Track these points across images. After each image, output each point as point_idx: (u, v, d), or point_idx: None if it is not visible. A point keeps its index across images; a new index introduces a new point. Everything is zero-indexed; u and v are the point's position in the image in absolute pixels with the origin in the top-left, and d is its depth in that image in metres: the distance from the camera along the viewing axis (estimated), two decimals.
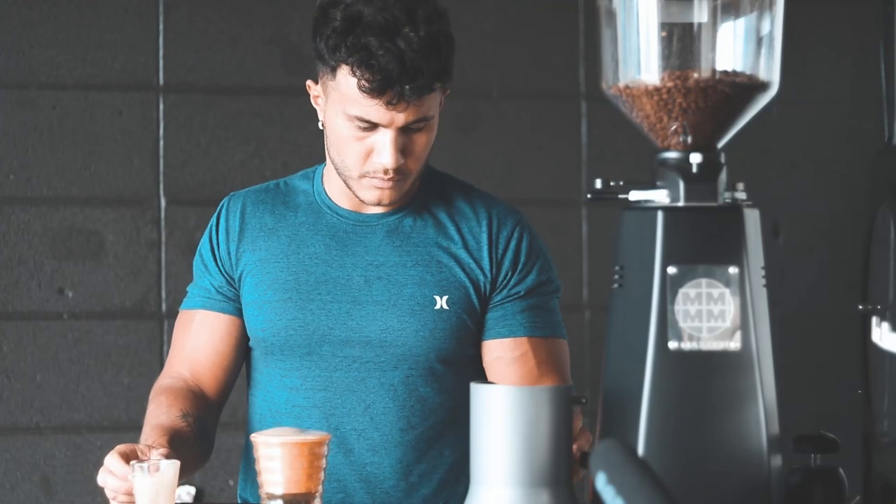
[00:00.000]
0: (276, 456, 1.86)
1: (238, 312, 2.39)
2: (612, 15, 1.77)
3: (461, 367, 2.35)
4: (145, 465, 1.99)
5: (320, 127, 2.35)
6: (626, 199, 1.75)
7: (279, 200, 2.42)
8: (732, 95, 1.74)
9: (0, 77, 3.41)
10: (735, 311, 1.70)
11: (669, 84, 1.73)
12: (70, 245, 3.43)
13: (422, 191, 2.38)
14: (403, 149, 2.24)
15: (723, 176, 1.74)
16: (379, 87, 2.17)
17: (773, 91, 1.78)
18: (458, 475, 2.35)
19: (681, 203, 1.72)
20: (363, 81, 2.17)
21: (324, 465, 1.89)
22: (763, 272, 1.74)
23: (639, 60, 1.75)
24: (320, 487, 1.89)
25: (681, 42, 1.74)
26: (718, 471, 1.68)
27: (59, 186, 3.43)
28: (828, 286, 3.85)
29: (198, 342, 2.40)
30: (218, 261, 2.41)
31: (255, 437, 1.89)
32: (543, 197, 3.67)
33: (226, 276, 2.40)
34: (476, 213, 2.38)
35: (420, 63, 2.16)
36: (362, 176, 2.26)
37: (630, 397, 1.70)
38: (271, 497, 1.87)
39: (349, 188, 2.31)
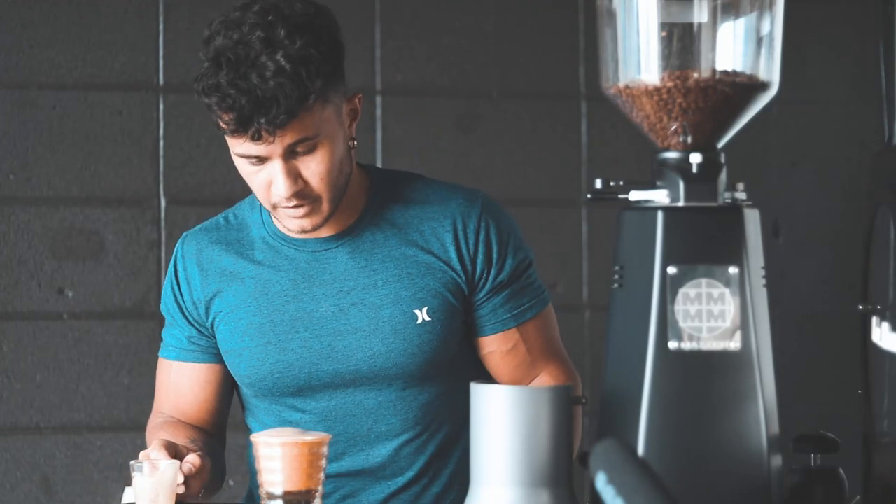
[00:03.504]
0: (276, 456, 1.86)
1: (214, 358, 2.35)
2: (612, 15, 1.77)
3: (460, 363, 2.34)
4: (145, 465, 1.99)
5: None
6: (626, 199, 1.75)
7: (232, 238, 2.34)
8: (732, 95, 1.74)
9: (0, 77, 3.41)
10: (735, 311, 1.70)
11: (669, 84, 1.73)
12: (70, 245, 3.43)
13: (372, 197, 2.31)
14: (297, 174, 2.17)
15: (723, 176, 1.74)
16: (236, 126, 2.11)
17: (773, 91, 1.78)
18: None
19: (681, 203, 1.72)
20: (222, 123, 2.13)
21: (324, 466, 1.90)
22: (763, 272, 1.74)
23: (639, 60, 1.75)
24: (320, 487, 1.89)
25: (681, 42, 1.74)
26: (718, 471, 1.68)
27: (59, 186, 3.43)
28: (828, 286, 3.85)
29: (179, 391, 2.39)
30: (185, 312, 2.36)
31: (255, 438, 1.89)
32: (543, 197, 3.67)
33: (195, 326, 2.36)
34: (436, 212, 2.31)
35: (274, 93, 2.08)
36: (274, 207, 2.21)
37: (630, 397, 1.70)
38: (271, 497, 1.87)
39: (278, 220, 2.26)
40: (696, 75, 1.73)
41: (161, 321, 3.48)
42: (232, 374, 2.35)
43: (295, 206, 2.19)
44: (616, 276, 1.75)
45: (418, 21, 3.59)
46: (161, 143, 3.49)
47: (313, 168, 2.17)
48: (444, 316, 2.27)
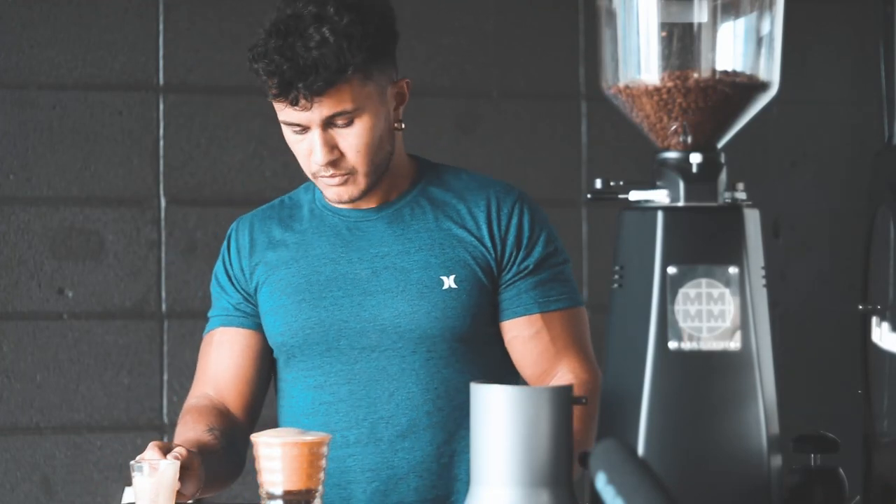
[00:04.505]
0: (276, 456, 1.86)
1: (257, 327, 2.44)
2: (612, 15, 1.77)
3: (485, 346, 2.38)
4: (145, 465, 1.99)
5: None
6: (626, 199, 1.75)
7: (285, 214, 2.48)
8: (732, 95, 1.74)
9: (0, 77, 3.41)
10: (735, 311, 1.70)
11: (669, 84, 1.73)
12: (70, 245, 3.43)
13: (417, 181, 2.43)
14: (334, 144, 2.30)
15: (723, 176, 1.74)
16: (278, 89, 2.25)
17: (773, 91, 1.78)
18: None
19: (681, 203, 1.72)
20: (267, 87, 2.27)
21: (324, 465, 1.90)
22: (763, 272, 1.74)
23: (639, 60, 1.75)
24: (320, 487, 1.89)
25: (681, 42, 1.74)
26: (718, 471, 1.68)
27: (59, 186, 3.43)
28: (828, 286, 3.85)
29: (219, 359, 2.46)
30: (233, 279, 2.46)
31: (255, 438, 1.89)
32: (543, 197, 3.66)
33: (242, 293, 2.45)
34: (474, 194, 2.41)
35: (315, 61, 2.22)
36: (314, 176, 2.34)
37: (630, 397, 1.70)
38: (271, 497, 1.87)
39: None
40: (696, 75, 1.73)
41: (161, 321, 3.49)
42: (267, 337, 2.43)
43: (332, 176, 2.31)
44: (616, 276, 1.75)
45: (418, 21, 3.59)
46: (161, 143, 3.49)
47: (350, 141, 2.30)
48: (471, 286, 2.35)
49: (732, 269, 1.70)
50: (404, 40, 3.59)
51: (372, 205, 2.40)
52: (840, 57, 3.87)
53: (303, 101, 2.25)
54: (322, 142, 2.29)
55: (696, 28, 1.74)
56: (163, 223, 3.48)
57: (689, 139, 1.75)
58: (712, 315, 1.70)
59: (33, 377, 3.41)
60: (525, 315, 2.37)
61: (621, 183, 1.75)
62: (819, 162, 3.88)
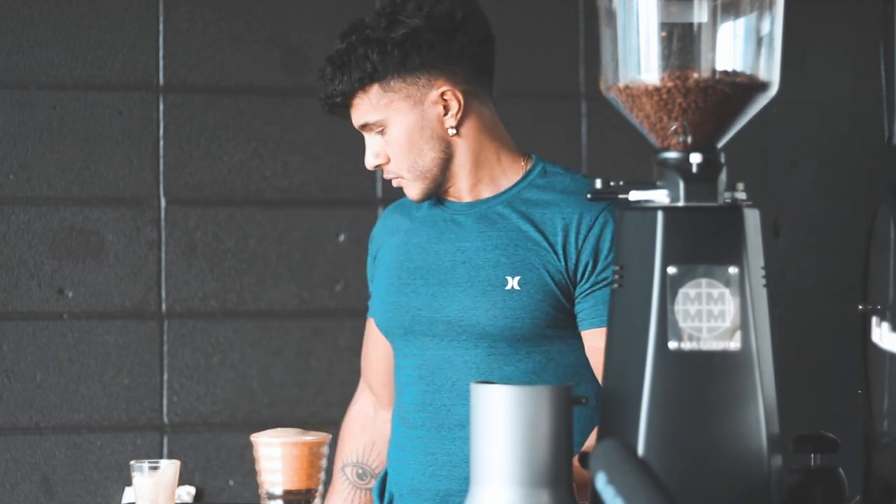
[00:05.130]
0: (276, 456, 1.86)
1: None
2: (612, 15, 1.77)
3: (552, 348, 2.41)
4: (145, 465, 1.99)
5: None
6: (626, 199, 1.75)
7: (411, 203, 2.55)
8: (732, 95, 1.74)
9: (0, 77, 3.41)
10: (735, 311, 1.70)
11: (669, 84, 1.73)
12: (70, 245, 3.43)
13: (521, 183, 2.47)
14: (377, 151, 2.43)
15: (723, 176, 1.74)
16: (322, 88, 2.43)
17: (773, 91, 1.78)
18: None
19: (681, 203, 1.72)
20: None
21: (324, 465, 1.90)
22: (763, 272, 1.74)
23: (639, 60, 1.75)
24: (320, 487, 1.89)
25: (681, 42, 1.74)
26: (718, 471, 1.68)
27: (59, 186, 3.43)
28: (828, 286, 3.85)
29: (368, 351, 2.64)
30: (369, 266, 2.62)
31: (255, 438, 1.90)
32: None
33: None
34: (564, 199, 2.44)
35: (333, 75, 2.39)
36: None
37: (630, 397, 1.70)
38: (271, 497, 1.87)
39: None
40: (696, 75, 1.73)
41: (161, 321, 3.49)
42: None
43: (387, 177, 2.45)
44: (616, 276, 1.75)
45: None
46: (161, 143, 3.49)
47: (389, 148, 2.42)
48: (535, 290, 2.38)
49: (732, 269, 1.70)
50: None
51: (472, 199, 2.46)
52: (840, 57, 3.87)
53: (333, 111, 2.44)
54: (368, 146, 2.44)
55: (696, 28, 1.74)
56: (163, 223, 3.48)
57: (689, 139, 1.75)
58: (712, 315, 1.70)
59: (33, 377, 3.41)
60: (601, 326, 2.37)
61: (621, 183, 1.75)
62: (819, 162, 3.88)
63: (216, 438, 3.50)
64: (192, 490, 3.48)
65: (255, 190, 3.54)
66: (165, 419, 3.47)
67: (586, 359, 2.42)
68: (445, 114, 2.41)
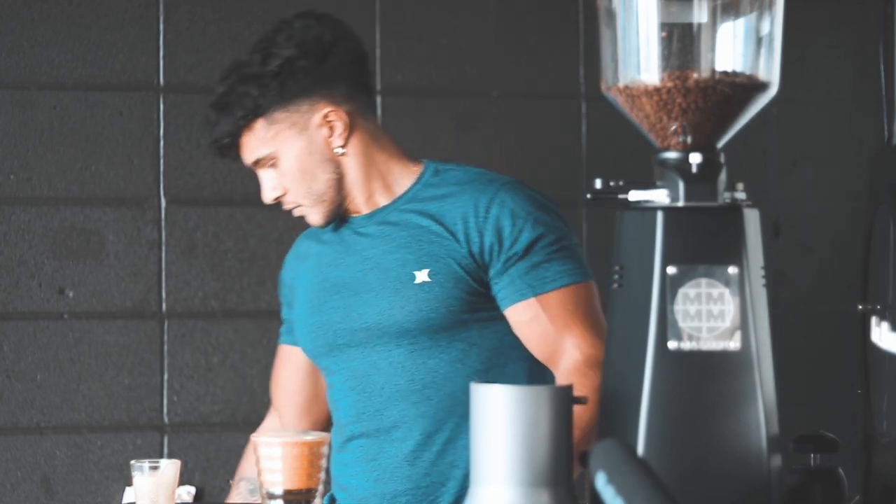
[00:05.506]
0: (277, 456, 1.87)
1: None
2: (612, 15, 1.77)
3: (471, 334, 2.45)
4: (145, 464, 1.99)
5: None
6: (626, 199, 1.75)
7: (322, 229, 2.61)
8: (732, 95, 1.74)
9: (0, 77, 3.41)
10: (735, 311, 1.70)
11: (669, 84, 1.73)
12: (70, 245, 3.43)
13: (414, 186, 2.52)
14: (275, 183, 2.50)
15: (722, 176, 1.74)
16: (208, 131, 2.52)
17: (773, 91, 1.78)
18: None
19: (680, 203, 1.72)
20: None
21: (324, 465, 1.90)
22: (763, 272, 1.74)
23: (638, 60, 1.75)
24: (320, 487, 1.89)
25: (680, 42, 1.74)
26: (718, 471, 1.68)
27: (60, 186, 3.43)
28: (828, 286, 3.85)
29: (283, 372, 2.70)
30: (283, 297, 2.69)
31: (256, 437, 1.90)
32: None
33: (289, 306, 2.67)
34: (458, 191, 2.48)
35: (217, 118, 2.48)
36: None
37: (630, 397, 1.70)
38: (271, 497, 1.87)
39: None
40: (695, 75, 1.73)
41: (161, 321, 3.49)
42: None
43: (288, 209, 2.52)
44: (616, 276, 1.75)
45: (418, 21, 3.59)
46: (161, 143, 3.49)
47: (282, 179, 2.49)
48: (446, 279, 2.42)
49: (732, 269, 1.70)
50: (404, 40, 3.60)
51: (370, 210, 2.53)
52: (840, 57, 3.87)
53: (219, 153, 2.52)
54: (264, 182, 2.51)
55: (695, 28, 1.74)
56: (163, 223, 3.49)
57: (689, 139, 1.75)
58: (712, 315, 1.70)
59: (34, 377, 3.41)
60: (521, 300, 2.42)
61: (621, 183, 1.75)
62: (819, 162, 3.88)
63: (216, 438, 3.50)
64: (192, 490, 3.48)
65: (255, 190, 3.52)
66: (166, 419, 3.47)
67: (510, 339, 2.45)
68: (331, 135, 2.48)
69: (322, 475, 1.89)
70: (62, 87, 3.44)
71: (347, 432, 2.51)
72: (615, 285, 1.75)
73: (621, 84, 1.76)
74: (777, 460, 1.72)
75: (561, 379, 2.39)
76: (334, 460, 2.57)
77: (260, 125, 2.46)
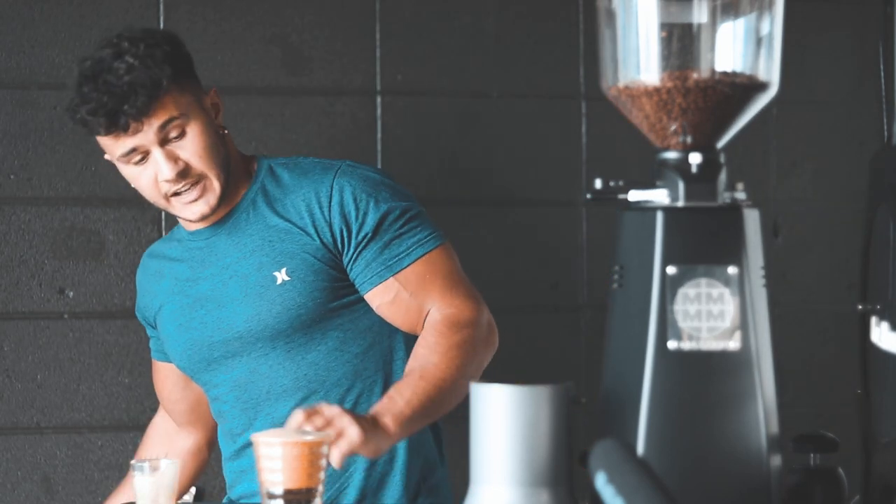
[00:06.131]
0: (277, 456, 1.87)
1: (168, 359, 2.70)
2: (611, 15, 1.77)
3: (343, 321, 2.48)
4: (145, 464, 1.99)
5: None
6: (626, 199, 1.75)
7: (164, 246, 2.64)
8: (732, 95, 1.74)
9: (0, 77, 3.41)
10: (735, 311, 1.70)
11: (669, 84, 1.73)
12: (71, 245, 3.43)
13: (252, 183, 2.53)
14: (177, 157, 2.42)
15: (722, 176, 1.74)
16: (107, 121, 2.39)
17: (772, 91, 1.78)
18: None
19: (680, 203, 1.72)
20: (97, 128, 2.41)
21: (324, 465, 1.90)
22: (763, 272, 1.74)
23: (638, 61, 1.75)
24: (321, 487, 1.89)
25: (680, 42, 1.74)
26: (718, 471, 1.69)
27: (60, 186, 3.43)
28: (828, 286, 3.84)
29: (164, 382, 2.76)
30: (145, 319, 2.71)
31: (256, 437, 1.90)
32: (543, 197, 3.67)
33: (150, 326, 2.70)
34: (298, 185, 2.50)
35: (132, 83, 2.37)
36: (168, 200, 2.46)
37: (630, 397, 1.70)
38: (271, 496, 1.87)
39: (177, 217, 2.53)
40: (695, 75, 1.73)
41: None
42: None
43: (187, 189, 2.44)
44: (616, 276, 1.75)
45: (418, 21, 3.59)
46: None
47: (189, 148, 2.43)
48: (306, 274, 2.44)
49: (732, 269, 1.70)
50: (404, 40, 3.60)
51: (217, 219, 2.52)
52: (840, 57, 3.87)
53: (133, 123, 2.38)
54: (165, 157, 2.41)
55: (695, 28, 1.74)
56: (163, 223, 3.48)
57: (689, 139, 1.75)
58: (712, 315, 1.70)
59: (34, 377, 3.41)
60: (380, 283, 2.44)
61: (621, 183, 1.75)
62: (819, 162, 3.88)
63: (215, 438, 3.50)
64: (192, 490, 3.49)
65: None
66: None
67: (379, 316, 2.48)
68: (217, 115, 2.51)
69: (322, 475, 1.89)
70: (62, 87, 3.44)
71: (241, 441, 2.54)
72: (615, 285, 1.75)
73: (621, 84, 1.77)
74: (777, 460, 1.72)
75: (419, 343, 2.40)
76: (228, 468, 2.61)
77: (174, 89, 2.42)
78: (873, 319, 1.84)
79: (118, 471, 3.41)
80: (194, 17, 3.50)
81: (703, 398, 1.69)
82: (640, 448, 1.67)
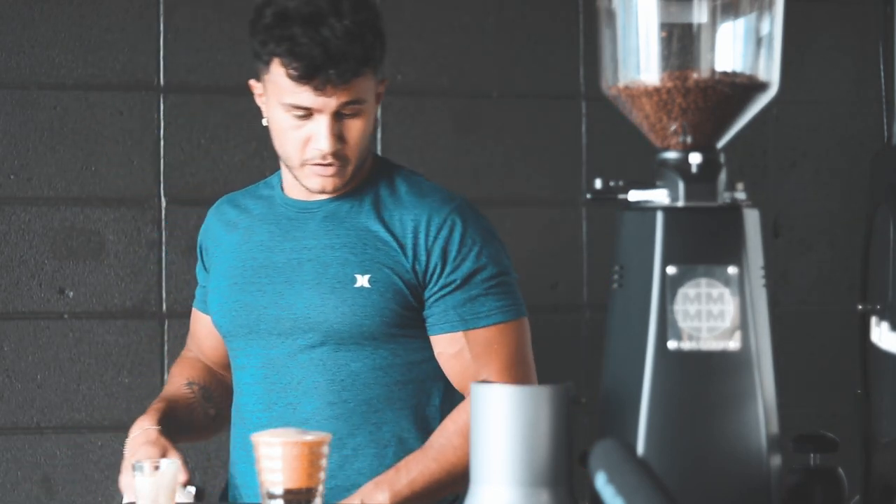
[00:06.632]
0: (277, 455, 1.87)
1: None
2: (612, 15, 1.77)
3: (397, 346, 2.43)
4: (145, 464, 1.99)
5: (264, 123, 2.46)
6: (626, 199, 1.75)
7: (248, 197, 2.59)
8: (732, 95, 1.74)
9: (0, 77, 3.41)
10: (734, 310, 1.70)
11: (669, 84, 1.73)
12: (70, 245, 3.44)
13: (369, 179, 2.48)
14: (339, 135, 2.36)
15: (722, 176, 1.74)
16: (305, 73, 2.30)
17: (772, 91, 1.78)
18: (399, 452, 2.42)
19: (680, 203, 1.72)
20: (291, 70, 2.31)
21: (324, 465, 1.90)
22: (763, 272, 1.74)
23: (638, 61, 1.75)
24: (321, 487, 1.89)
25: (680, 42, 1.74)
26: (718, 471, 1.69)
27: (60, 186, 3.43)
28: (828, 286, 3.85)
29: (197, 335, 2.67)
30: (202, 260, 2.62)
31: (256, 437, 1.90)
32: (543, 197, 3.67)
33: (205, 276, 2.62)
34: (413, 202, 2.45)
35: (344, 49, 2.29)
36: (303, 164, 2.39)
37: (630, 397, 1.70)
38: (271, 496, 1.87)
39: (296, 178, 2.44)
40: (695, 75, 1.73)
41: (161, 321, 3.49)
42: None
43: (327, 165, 2.37)
44: (616, 276, 1.75)
45: (418, 21, 3.59)
46: (161, 143, 3.49)
47: (353, 132, 2.37)
48: (384, 289, 2.39)
49: (732, 269, 1.70)
50: (404, 40, 3.60)
51: (318, 197, 2.46)
52: (840, 57, 3.87)
53: (329, 88, 2.31)
54: (330, 130, 2.34)
55: (695, 28, 1.74)
56: (163, 223, 3.49)
57: (689, 139, 1.75)
58: (712, 315, 1.70)
59: (34, 377, 3.41)
60: (449, 332, 2.41)
61: (621, 183, 1.75)
62: (819, 162, 3.88)
63: (216, 438, 3.50)
64: (192, 490, 3.48)
65: None
66: None
67: (433, 357, 2.44)
68: (377, 104, 2.44)
69: (322, 475, 1.89)
70: (62, 87, 3.44)
71: (255, 420, 2.45)
72: (615, 285, 1.75)
73: (621, 84, 1.77)
74: (777, 460, 1.72)
75: (452, 416, 2.40)
76: (235, 445, 2.53)
77: (370, 73, 2.36)
78: (873, 319, 1.84)
79: (118, 471, 3.41)
80: (194, 17, 3.50)
81: (703, 398, 1.69)
82: (640, 448, 1.67)
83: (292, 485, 1.87)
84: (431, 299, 2.41)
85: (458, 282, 2.41)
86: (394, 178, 2.49)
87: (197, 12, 3.50)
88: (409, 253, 2.41)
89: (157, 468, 1.99)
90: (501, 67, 3.67)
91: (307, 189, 2.43)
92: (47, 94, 3.43)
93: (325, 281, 2.41)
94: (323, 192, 2.42)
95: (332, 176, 2.39)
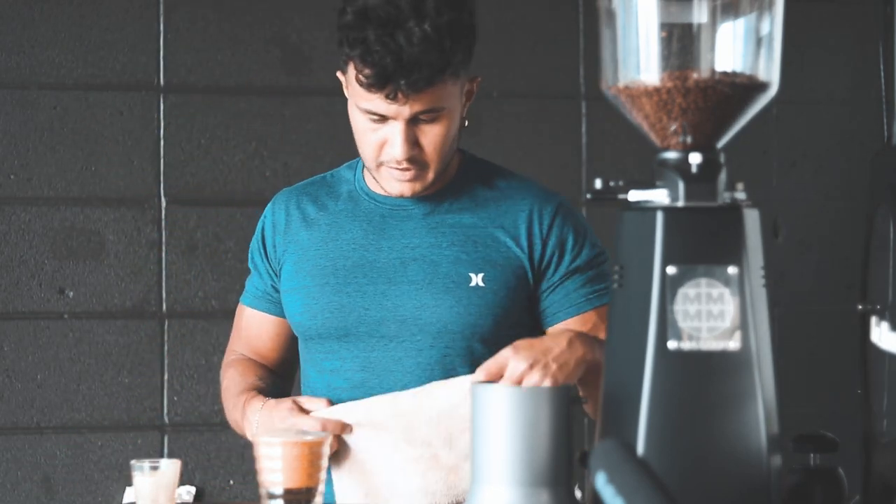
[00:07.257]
0: (277, 455, 1.87)
1: (281, 313, 2.46)
2: (612, 15, 1.77)
3: (501, 348, 2.34)
4: (145, 464, 1.99)
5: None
6: (626, 199, 1.75)
7: (323, 191, 2.45)
8: (732, 95, 1.74)
9: (0, 77, 3.41)
10: (734, 310, 1.70)
11: (669, 84, 1.73)
12: (71, 245, 3.44)
13: (461, 175, 2.41)
14: (416, 140, 2.27)
15: (722, 176, 1.74)
16: (375, 82, 2.20)
17: (772, 91, 1.78)
18: None
19: (680, 203, 1.72)
20: (361, 76, 2.21)
21: (324, 465, 1.90)
22: (763, 272, 1.74)
23: (638, 61, 1.75)
24: (321, 486, 1.89)
25: (680, 42, 1.74)
26: (718, 471, 1.69)
27: (60, 186, 3.44)
28: (827, 286, 3.85)
29: (251, 335, 2.51)
30: (268, 258, 2.47)
31: (256, 437, 1.90)
32: None
33: (272, 274, 2.46)
34: (516, 195, 2.39)
35: (418, 58, 2.18)
36: (380, 166, 2.31)
37: (630, 397, 1.70)
38: (271, 496, 1.87)
39: (375, 180, 2.36)
40: (695, 75, 1.73)
41: (161, 321, 3.49)
42: (287, 316, 2.44)
43: (404, 170, 2.28)
44: (616, 276, 1.75)
45: None
46: (161, 143, 3.49)
47: (430, 138, 2.27)
48: (499, 287, 2.33)
49: (732, 269, 1.70)
50: None
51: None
52: (840, 57, 3.87)
53: (400, 97, 2.20)
54: (405, 137, 2.25)
55: (695, 28, 1.74)
56: (163, 223, 3.49)
57: (689, 139, 1.75)
58: (712, 315, 1.70)
59: (34, 377, 3.41)
60: (578, 314, 2.36)
61: (621, 183, 1.75)
62: (819, 162, 3.88)
63: (216, 438, 3.50)
64: (192, 490, 3.49)
65: (255, 190, 3.54)
66: (166, 419, 3.47)
67: None
68: (467, 104, 2.35)
69: (322, 475, 1.89)
70: (62, 87, 3.45)
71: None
72: (615, 285, 1.75)
73: (621, 84, 1.77)
74: (777, 460, 1.72)
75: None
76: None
77: (450, 78, 2.25)
78: (873, 319, 1.84)
79: (118, 471, 3.42)
80: (194, 17, 3.50)
81: (703, 398, 1.69)
82: (640, 448, 1.68)
83: (292, 485, 1.87)
84: (551, 288, 2.37)
85: (582, 265, 2.37)
86: (486, 173, 2.42)
87: (197, 12, 3.50)
88: (524, 243, 2.35)
89: (156, 468, 1.99)
90: (501, 67, 3.67)
91: (386, 191, 2.36)
92: (47, 94, 3.43)
93: (437, 281, 2.32)
94: (402, 196, 2.33)
95: (410, 181, 2.30)
